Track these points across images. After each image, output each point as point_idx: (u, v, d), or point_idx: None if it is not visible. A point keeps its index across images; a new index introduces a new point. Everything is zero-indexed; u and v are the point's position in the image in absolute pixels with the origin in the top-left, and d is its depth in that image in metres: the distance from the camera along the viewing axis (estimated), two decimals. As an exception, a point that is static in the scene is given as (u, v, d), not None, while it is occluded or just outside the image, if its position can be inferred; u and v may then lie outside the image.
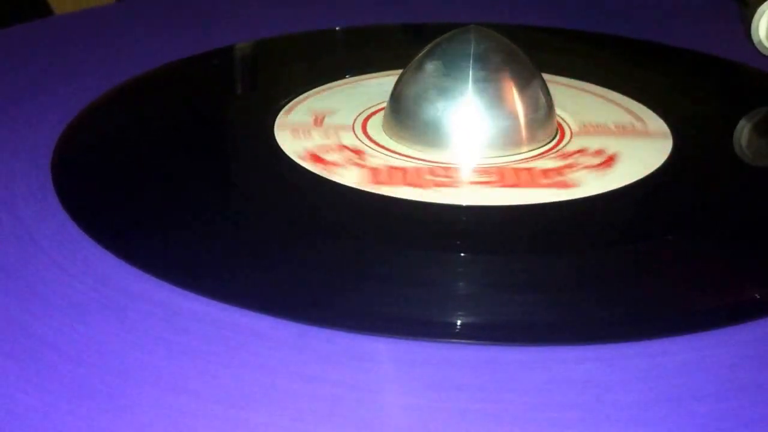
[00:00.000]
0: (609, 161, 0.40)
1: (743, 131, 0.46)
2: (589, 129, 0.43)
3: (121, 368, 0.27)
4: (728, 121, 0.46)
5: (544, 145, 0.41)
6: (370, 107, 0.45)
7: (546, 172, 0.39)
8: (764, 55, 0.49)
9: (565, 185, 0.38)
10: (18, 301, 0.30)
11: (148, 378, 0.26)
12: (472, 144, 0.40)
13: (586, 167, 0.39)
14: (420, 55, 0.42)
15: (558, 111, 0.44)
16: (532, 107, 0.41)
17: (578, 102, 0.47)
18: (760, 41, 0.48)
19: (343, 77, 0.50)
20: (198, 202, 0.37)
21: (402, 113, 0.42)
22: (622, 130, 0.43)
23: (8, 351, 0.27)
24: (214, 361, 0.27)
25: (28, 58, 0.54)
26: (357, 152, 0.41)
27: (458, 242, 0.35)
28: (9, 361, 0.27)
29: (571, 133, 0.43)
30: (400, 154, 0.40)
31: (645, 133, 0.43)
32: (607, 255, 0.34)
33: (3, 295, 0.30)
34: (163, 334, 0.28)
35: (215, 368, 0.27)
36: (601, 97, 0.48)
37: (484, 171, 0.39)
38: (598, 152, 0.41)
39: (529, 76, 0.42)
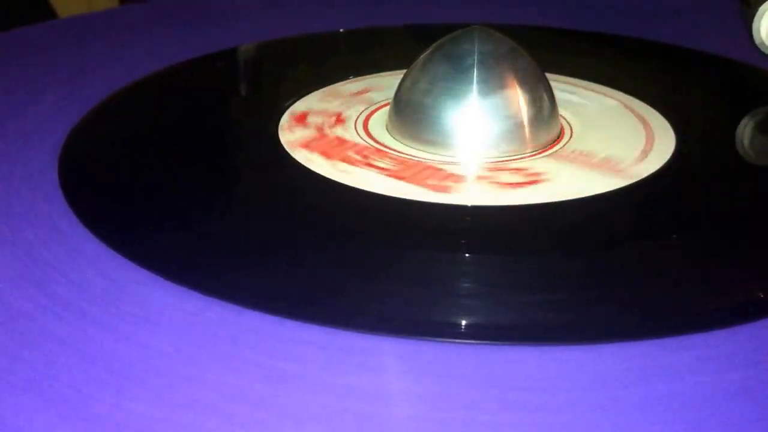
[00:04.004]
0: (604, 164, 0.40)
1: (745, 131, 0.45)
2: (589, 131, 0.43)
3: (122, 368, 0.27)
4: (731, 121, 0.46)
5: (547, 146, 0.41)
6: (372, 105, 0.46)
7: (539, 174, 0.39)
8: (766, 55, 0.49)
9: (553, 187, 0.38)
10: (20, 300, 0.30)
11: (148, 377, 0.27)
12: (472, 143, 0.40)
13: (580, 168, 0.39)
14: (424, 54, 0.42)
15: (561, 111, 0.44)
16: (535, 108, 0.41)
17: (581, 102, 0.47)
18: (762, 42, 0.48)
19: (347, 78, 0.50)
20: (201, 200, 0.37)
21: (404, 112, 0.42)
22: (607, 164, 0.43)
23: (9, 350, 0.28)
24: (214, 359, 0.27)
25: (31, 60, 0.54)
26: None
27: (419, 239, 0.35)
28: (10, 360, 0.27)
29: (572, 132, 0.43)
30: (395, 150, 0.41)
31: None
32: (608, 255, 0.34)
33: (8, 293, 0.31)
34: (164, 333, 0.29)
35: (215, 367, 0.27)
36: (603, 95, 0.48)
37: (472, 171, 0.39)
38: (591, 154, 0.41)
39: (532, 77, 0.42)
